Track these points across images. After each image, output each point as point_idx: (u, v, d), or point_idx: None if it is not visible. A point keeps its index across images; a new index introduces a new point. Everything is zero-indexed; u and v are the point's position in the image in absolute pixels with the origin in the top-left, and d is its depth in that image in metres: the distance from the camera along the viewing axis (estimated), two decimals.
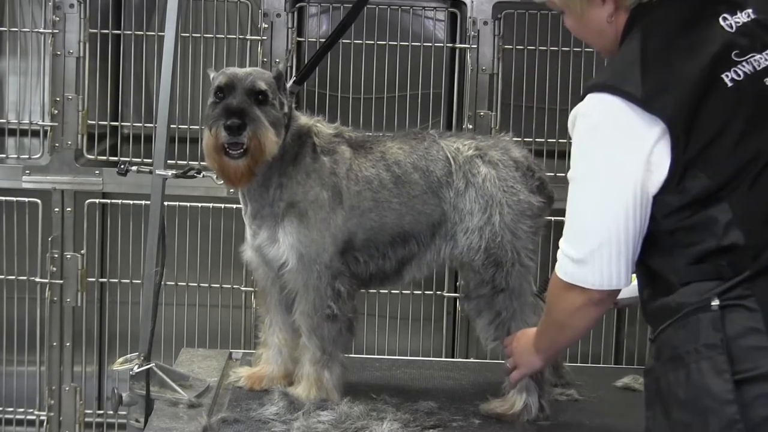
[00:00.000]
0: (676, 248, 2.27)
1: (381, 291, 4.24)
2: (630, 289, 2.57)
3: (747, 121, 2.25)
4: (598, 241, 2.28)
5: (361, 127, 4.20)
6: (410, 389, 3.29)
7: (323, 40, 4.31)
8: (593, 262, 2.29)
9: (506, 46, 4.32)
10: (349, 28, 3.31)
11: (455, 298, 4.40)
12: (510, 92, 4.42)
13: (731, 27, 2.33)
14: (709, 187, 2.22)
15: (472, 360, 4.17)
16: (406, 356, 4.18)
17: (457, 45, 4.38)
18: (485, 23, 4.29)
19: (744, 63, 2.29)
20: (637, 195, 2.24)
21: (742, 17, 2.34)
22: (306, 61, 4.25)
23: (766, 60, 2.31)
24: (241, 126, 2.89)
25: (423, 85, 4.40)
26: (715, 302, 2.21)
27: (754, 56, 2.30)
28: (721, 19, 2.33)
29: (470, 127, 4.27)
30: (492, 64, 4.30)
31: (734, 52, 2.29)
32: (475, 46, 4.28)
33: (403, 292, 4.32)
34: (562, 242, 2.38)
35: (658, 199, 2.25)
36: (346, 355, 3.17)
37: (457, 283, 4.38)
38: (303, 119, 3.14)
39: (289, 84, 3.12)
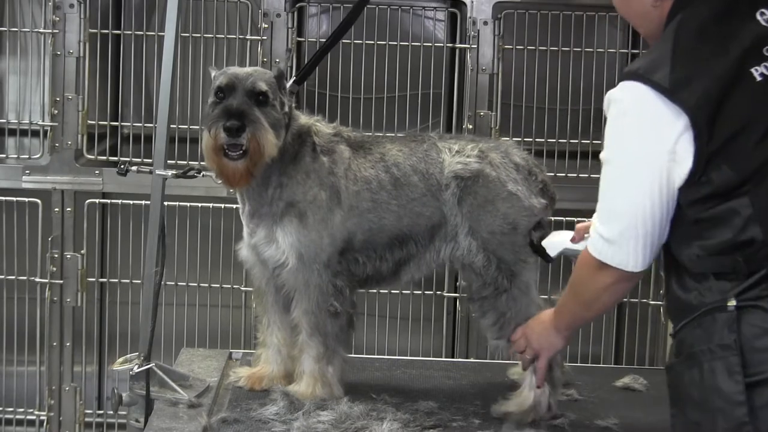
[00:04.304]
0: (697, 237, 2.29)
1: (381, 291, 4.24)
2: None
3: None
4: (626, 222, 2.32)
5: (361, 127, 4.20)
6: (410, 389, 3.29)
7: (323, 40, 4.32)
8: (621, 242, 2.33)
9: (506, 46, 4.33)
10: (350, 28, 3.31)
11: (455, 298, 4.40)
12: (510, 92, 4.43)
13: None
14: (732, 180, 2.24)
15: (472, 360, 4.17)
16: (406, 356, 4.17)
17: (457, 45, 4.38)
18: (485, 23, 4.29)
19: None
20: (663, 182, 2.28)
21: None
22: (306, 61, 4.26)
23: None
24: (240, 128, 2.89)
25: (423, 85, 4.40)
26: (732, 303, 2.22)
27: None
28: (758, 14, 2.33)
29: (470, 127, 4.27)
30: (492, 64, 4.30)
31: (766, 48, 2.29)
32: (475, 46, 4.29)
33: (403, 292, 4.32)
34: (595, 219, 2.42)
35: (683, 188, 2.28)
36: (347, 355, 3.17)
37: (457, 283, 4.39)
38: (303, 119, 3.14)
39: (288, 84, 3.11)
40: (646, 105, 2.28)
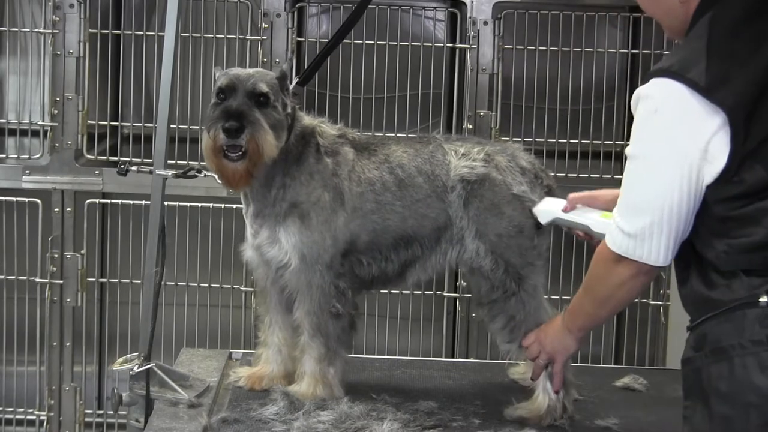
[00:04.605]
0: (724, 235, 2.28)
1: (381, 291, 4.24)
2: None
3: None
4: (650, 218, 2.31)
5: (362, 127, 4.20)
6: (410, 389, 3.29)
7: (323, 40, 4.33)
8: (644, 237, 2.33)
9: (506, 46, 4.33)
10: (352, 29, 3.31)
11: (455, 298, 4.40)
12: (510, 92, 4.43)
13: None
14: (765, 180, 2.23)
15: (472, 360, 4.17)
16: (406, 356, 4.18)
17: (457, 45, 4.38)
18: (485, 23, 4.29)
19: None
20: (692, 180, 2.27)
21: None
22: (306, 62, 4.27)
23: None
24: (239, 129, 2.89)
25: (423, 85, 4.40)
26: (764, 299, 2.22)
27: None
28: None
29: (470, 127, 4.27)
30: (492, 64, 4.31)
31: None
32: (475, 46, 4.29)
33: (404, 292, 4.32)
34: (615, 215, 2.41)
35: (712, 186, 2.27)
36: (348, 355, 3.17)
37: (457, 284, 4.39)
38: (307, 120, 3.13)
39: (291, 86, 3.11)
40: (679, 102, 2.27)
